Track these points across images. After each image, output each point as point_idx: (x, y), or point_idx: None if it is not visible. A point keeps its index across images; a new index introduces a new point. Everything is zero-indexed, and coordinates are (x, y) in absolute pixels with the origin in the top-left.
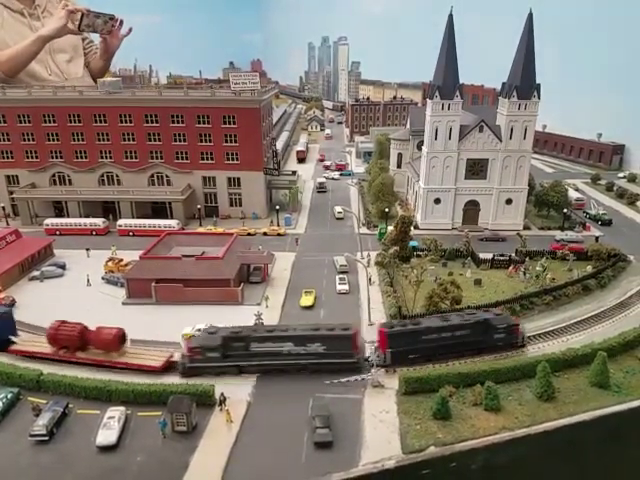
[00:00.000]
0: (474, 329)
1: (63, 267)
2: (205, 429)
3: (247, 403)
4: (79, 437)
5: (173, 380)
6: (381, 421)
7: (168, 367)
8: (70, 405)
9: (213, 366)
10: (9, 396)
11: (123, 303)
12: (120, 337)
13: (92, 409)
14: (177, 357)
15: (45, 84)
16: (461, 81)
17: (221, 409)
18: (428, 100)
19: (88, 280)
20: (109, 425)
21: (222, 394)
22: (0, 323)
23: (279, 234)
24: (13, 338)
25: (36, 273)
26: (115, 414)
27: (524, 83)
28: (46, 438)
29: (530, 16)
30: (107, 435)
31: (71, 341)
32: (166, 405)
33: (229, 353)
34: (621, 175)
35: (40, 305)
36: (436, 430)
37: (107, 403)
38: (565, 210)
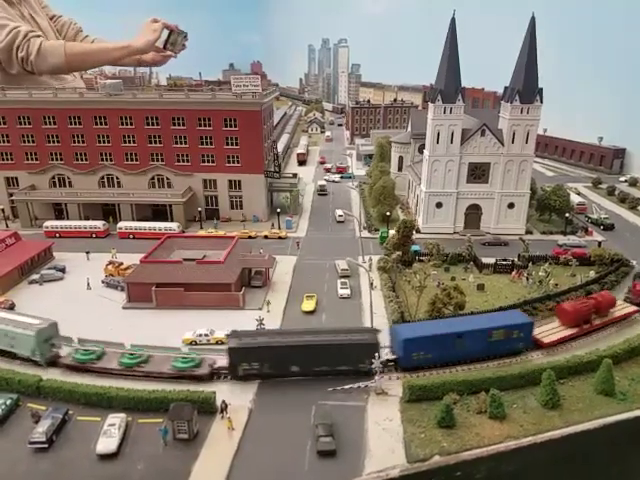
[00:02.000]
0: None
1: (63, 270)
2: (207, 437)
3: (249, 410)
4: (79, 445)
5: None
6: (385, 429)
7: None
8: (70, 412)
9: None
10: (8, 402)
11: (123, 307)
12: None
13: (92, 416)
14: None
15: (65, 85)
16: (462, 84)
17: (222, 416)
18: (430, 104)
19: (88, 284)
20: (109, 433)
21: (223, 401)
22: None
23: (280, 237)
24: None
25: (36, 276)
26: (115, 421)
27: (526, 87)
28: (45, 445)
29: (533, 20)
30: (107, 443)
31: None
32: (167, 412)
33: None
34: (622, 179)
35: (39, 309)
36: (440, 439)
37: (107, 410)
38: (567, 214)
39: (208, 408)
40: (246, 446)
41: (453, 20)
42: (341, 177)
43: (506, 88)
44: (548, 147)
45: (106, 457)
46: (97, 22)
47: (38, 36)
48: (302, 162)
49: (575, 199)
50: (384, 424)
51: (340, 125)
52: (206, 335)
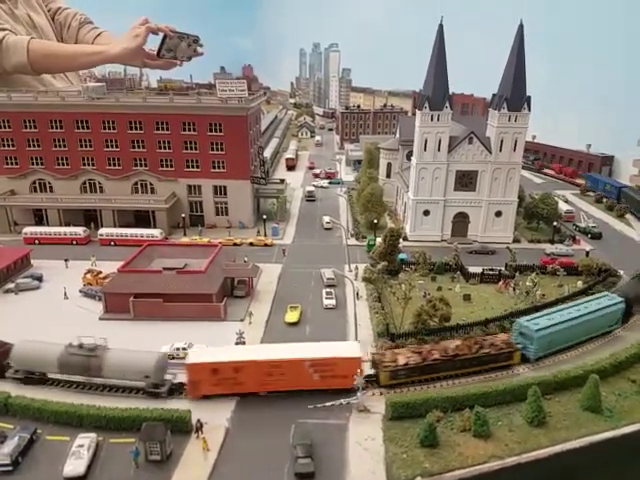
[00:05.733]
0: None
1: (40, 279)
2: (180, 458)
3: (225, 429)
4: (46, 467)
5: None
6: (366, 449)
7: None
8: (39, 431)
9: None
10: None
11: (100, 318)
12: None
13: (62, 435)
14: None
15: (52, 89)
16: (451, 90)
17: (198, 436)
18: (417, 111)
19: (65, 293)
20: (78, 454)
21: (199, 420)
22: None
23: (266, 244)
24: None
25: (11, 285)
26: (85, 442)
27: (514, 95)
28: (10, 468)
29: (521, 27)
30: (75, 465)
31: None
32: (139, 432)
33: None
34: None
35: (12, 320)
36: (423, 459)
37: (78, 429)
38: (555, 223)
39: (183, 427)
40: (221, 468)
41: (441, 26)
42: (330, 183)
43: (494, 95)
44: (537, 154)
45: None
46: None
47: (3, 29)
48: (291, 167)
49: (563, 207)
50: (365, 444)
51: (330, 130)
52: (184, 349)
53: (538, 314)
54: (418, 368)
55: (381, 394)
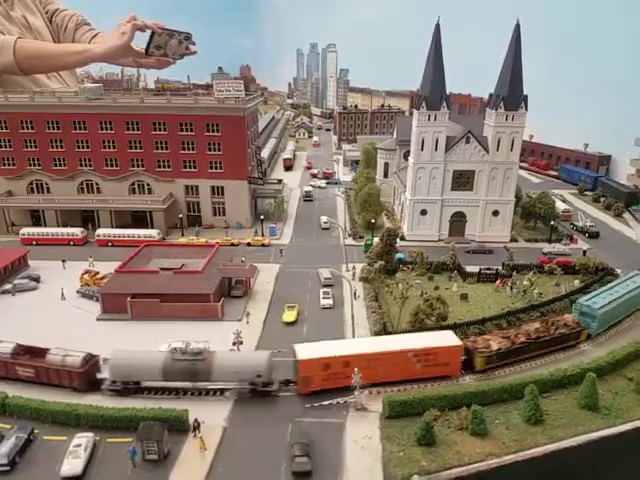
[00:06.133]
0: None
1: (37, 280)
2: (178, 457)
3: (223, 429)
4: (43, 467)
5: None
6: (363, 448)
7: None
8: (36, 430)
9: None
10: None
11: (98, 319)
12: None
13: (59, 435)
14: None
15: (44, 90)
16: (448, 90)
17: (195, 435)
18: (414, 110)
19: (62, 294)
20: (75, 453)
21: (196, 419)
22: None
23: (263, 245)
24: None
25: (8, 286)
26: (82, 441)
27: (511, 94)
28: (7, 468)
29: (517, 27)
30: (73, 465)
31: None
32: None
33: None
34: None
35: (9, 321)
36: (420, 457)
37: (75, 428)
38: (552, 222)
39: (180, 427)
40: (218, 467)
41: (438, 26)
42: (327, 183)
43: (491, 95)
44: (534, 153)
45: None
46: None
47: None
48: (289, 167)
49: (560, 206)
50: (363, 442)
51: (328, 130)
52: (181, 349)
53: (590, 295)
54: (508, 352)
55: (378, 392)
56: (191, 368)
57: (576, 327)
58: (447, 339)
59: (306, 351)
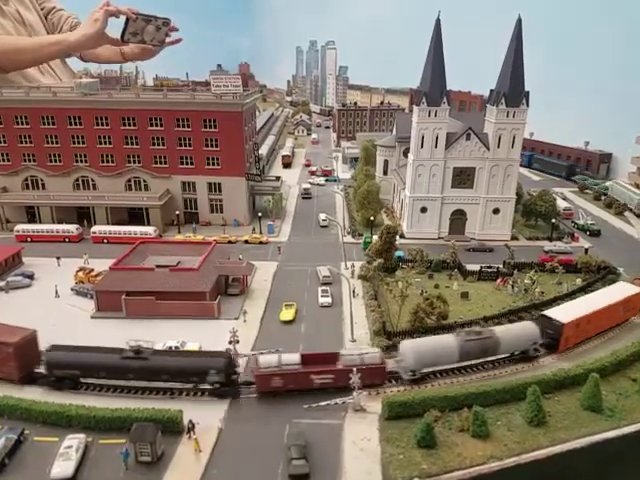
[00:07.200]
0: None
1: (31, 277)
2: (171, 459)
3: (218, 430)
4: (33, 468)
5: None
6: (362, 450)
7: None
8: (26, 431)
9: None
10: None
11: (92, 317)
12: None
13: (50, 436)
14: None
15: (40, 85)
16: (448, 87)
17: (189, 437)
18: (414, 107)
19: (56, 291)
20: (67, 455)
21: (190, 421)
22: None
23: (261, 242)
24: None
25: (1, 283)
26: (73, 442)
27: (512, 90)
28: None
29: (519, 22)
30: (64, 467)
31: None
32: (129, 432)
33: None
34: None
35: (2, 319)
36: (420, 460)
37: (67, 429)
38: (553, 220)
39: (174, 428)
40: (213, 470)
41: (438, 21)
42: (326, 180)
43: (492, 91)
44: (535, 151)
45: None
46: None
47: None
48: (287, 164)
49: (561, 204)
50: (361, 444)
51: (327, 127)
52: (177, 347)
53: None
54: None
55: (377, 393)
56: (482, 346)
57: None
58: (628, 289)
59: (565, 314)
